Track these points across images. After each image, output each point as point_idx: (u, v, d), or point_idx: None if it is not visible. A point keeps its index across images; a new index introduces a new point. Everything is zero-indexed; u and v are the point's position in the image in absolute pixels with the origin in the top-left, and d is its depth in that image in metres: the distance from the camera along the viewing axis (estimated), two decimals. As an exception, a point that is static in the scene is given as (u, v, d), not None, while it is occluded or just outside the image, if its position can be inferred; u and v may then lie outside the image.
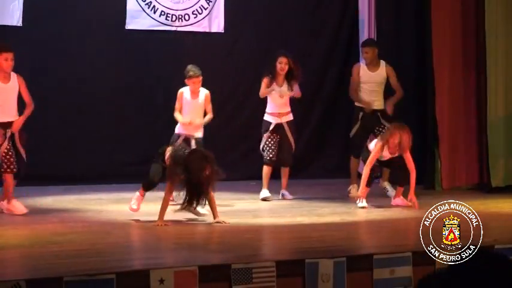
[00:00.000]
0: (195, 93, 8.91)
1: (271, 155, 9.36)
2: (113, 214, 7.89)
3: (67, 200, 9.03)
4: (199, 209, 7.51)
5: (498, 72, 10.34)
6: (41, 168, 10.24)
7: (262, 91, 9.39)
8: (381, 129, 9.66)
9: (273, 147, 9.37)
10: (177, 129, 8.96)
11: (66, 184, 10.09)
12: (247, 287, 5.27)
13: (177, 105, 8.93)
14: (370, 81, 9.82)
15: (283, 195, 9.42)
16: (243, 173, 10.71)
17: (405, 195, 8.75)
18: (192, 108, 8.91)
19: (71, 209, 8.28)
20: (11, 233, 6.82)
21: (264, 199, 9.22)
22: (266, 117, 9.46)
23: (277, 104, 9.40)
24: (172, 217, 7.33)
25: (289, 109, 9.50)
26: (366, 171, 8.74)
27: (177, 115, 8.91)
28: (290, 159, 9.49)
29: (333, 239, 6.83)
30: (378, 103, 9.82)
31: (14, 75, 8.09)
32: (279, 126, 9.39)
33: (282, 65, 9.33)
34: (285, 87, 9.38)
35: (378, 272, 5.69)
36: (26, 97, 8.16)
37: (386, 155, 8.78)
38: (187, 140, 8.80)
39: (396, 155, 8.77)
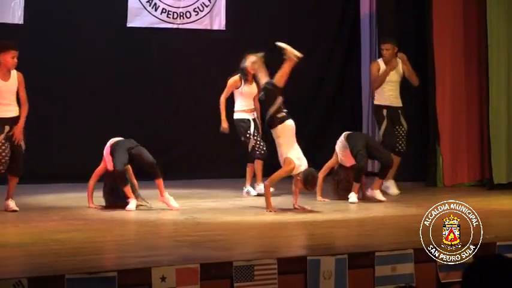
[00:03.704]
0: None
1: (264, 149, 9.36)
2: (114, 212, 7.88)
3: (68, 197, 9.02)
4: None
5: (500, 68, 10.32)
6: (42, 166, 10.24)
7: (226, 92, 9.44)
8: (399, 129, 9.68)
9: (262, 141, 9.39)
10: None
11: (67, 182, 10.08)
12: (249, 284, 5.27)
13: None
14: (389, 80, 9.77)
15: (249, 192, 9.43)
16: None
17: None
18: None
19: (72, 207, 8.27)
20: (13, 231, 6.82)
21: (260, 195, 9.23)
22: (241, 115, 9.42)
23: (250, 100, 9.43)
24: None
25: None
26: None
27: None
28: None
29: (334, 236, 6.83)
30: (397, 100, 9.79)
31: (14, 73, 8.06)
32: (253, 120, 9.44)
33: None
34: (254, 86, 9.40)
35: (380, 269, 5.69)
36: (23, 96, 8.06)
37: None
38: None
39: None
